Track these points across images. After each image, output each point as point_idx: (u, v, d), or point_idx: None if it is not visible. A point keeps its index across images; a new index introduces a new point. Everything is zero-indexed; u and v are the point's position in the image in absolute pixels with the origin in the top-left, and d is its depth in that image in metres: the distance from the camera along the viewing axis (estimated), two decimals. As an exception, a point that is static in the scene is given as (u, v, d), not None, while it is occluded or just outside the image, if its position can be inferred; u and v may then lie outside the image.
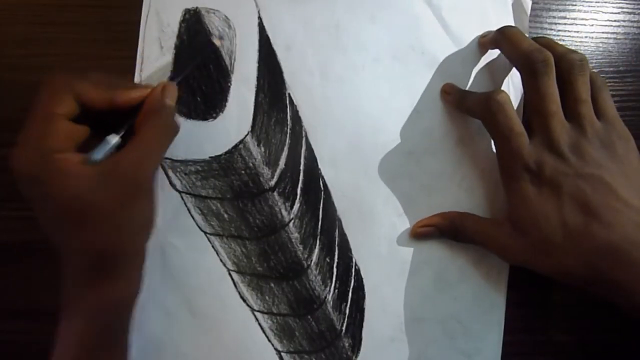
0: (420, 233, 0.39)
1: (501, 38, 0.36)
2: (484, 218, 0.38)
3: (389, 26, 0.39)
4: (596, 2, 0.41)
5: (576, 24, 0.40)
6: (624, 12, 0.41)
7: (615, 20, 0.41)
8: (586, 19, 0.39)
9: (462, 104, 0.37)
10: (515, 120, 0.34)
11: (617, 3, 0.41)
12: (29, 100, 0.30)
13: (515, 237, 0.34)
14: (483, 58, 0.39)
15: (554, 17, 0.40)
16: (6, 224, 0.38)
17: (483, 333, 0.39)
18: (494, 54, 0.39)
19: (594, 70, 0.36)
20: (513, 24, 0.39)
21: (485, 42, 0.39)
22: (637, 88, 0.35)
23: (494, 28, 0.38)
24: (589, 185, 0.32)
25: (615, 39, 0.37)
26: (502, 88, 0.39)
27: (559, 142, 0.33)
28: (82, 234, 0.30)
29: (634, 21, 0.41)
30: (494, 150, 0.39)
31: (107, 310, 0.31)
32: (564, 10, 0.41)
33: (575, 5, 0.41)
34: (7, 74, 0.39)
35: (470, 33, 0.39)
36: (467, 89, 0.39)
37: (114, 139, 0.31)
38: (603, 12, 0.41)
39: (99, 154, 0.31)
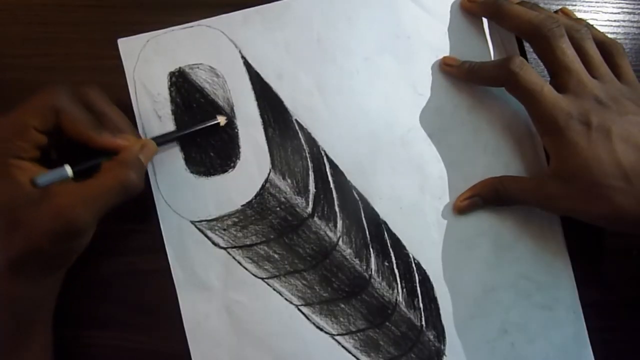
0: (464, 206, 0.39)
1: (499, 12, 0.36)
2: (522, 176, 0.39)
3: (367, 23, 0.39)
4: (596, 2, 0.41)
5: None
6: (624, 12, 0.41)
7: (615, 20, 0.41)
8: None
9: (474, 75, 0.37)
10: (540, 77, 0.34)
11: (617, 3, 0.41)
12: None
13: (561, 187, 0.34)
14: (469, 25, 0.39)
15: None
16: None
17: (555, 283, 0.39)
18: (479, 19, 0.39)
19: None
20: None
21: (472, 9, 0.39)
22: None
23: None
24: (636, 127, 0.33)
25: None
26: (494, 55, 0.40)
27: (596, 93, 0.34)
28: (8, 237, 0.31)
29: (634, 21, 0.41)
30: (507, 107, 0.39)
31: (9, 304, 0.32)
32: None
33: (575, 5, 0.41)
34: (7, 74, 0.39)
35: (446, 4, 0.39)
36: (462, 59, 0.39)
37: (66, 172, 0.32)
38: (603, 12, 0.41)
39: (44, 179, 0.31)
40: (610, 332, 0.40)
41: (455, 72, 0.38)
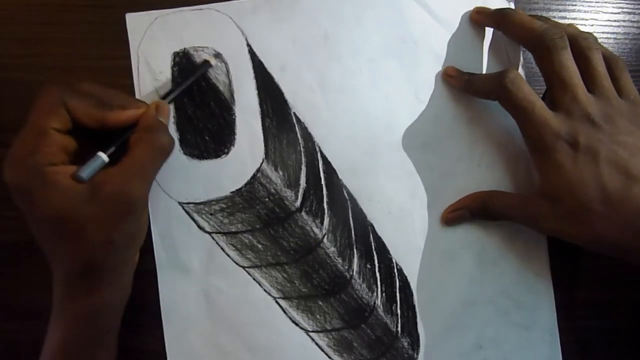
0: (452, 218, 0.39)
1: (504, 20, 0.36)
2: (511, 193, 0.39)
3: (375, 25, 0.39)
4: (596, 2, 0.41)
5: (576, 24, 0.39)
6: (624, 12, 0.41)
7: (615, 20, 0.41)
8: (586, 19, 0.39)
9: (471, 86, 0.37)
10: (534, 93, 0.34)
11: (617, 3, 0.41)
12: (29, 100, 0.31)
13: (547, 207, 0.34)
14: (477, 37, 0.39)
15: (554, 17, 0.40)
16: (5, 224, 0.38)
17: (535, 303, 0.39)
18: (486, 30, 0.39)
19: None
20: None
21: (480, 20, 0.39)
22: (637, 88, 0.35)
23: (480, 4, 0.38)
24: (626, 150, 0.32)
25: (615, 39, 0.37)
26: (498, 69, 0.39)
27: (589, 111, 0.33)
28: (69, 246, 0.31)
29: (634, 21, 0.41)
30: (506, 124, 0.39)
31: (90, 316, 0.32)
32: (564, 10, 0.41)
33: (575, 5, 0.41)
34: (7, 74, 0.39)
35: (456, 14, 0.39)
36: (466, 69, 0.39)
37: (102, 158, 0.32)
38: (603, 12, 0.41)
39: (87, 172, 0.31)
40: (612, 333, 0.40)
41: (455, 83, 0.38)
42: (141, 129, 0.33)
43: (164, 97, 0.36)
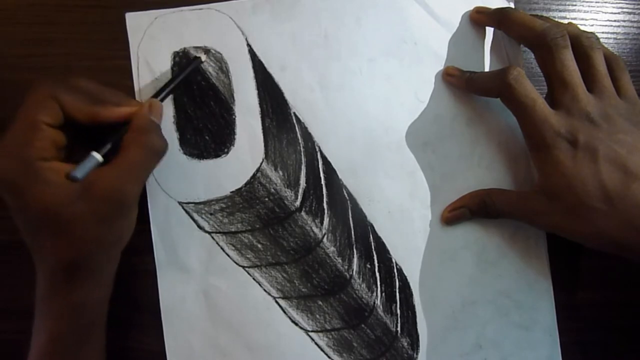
0: (452, 217, 0.39)
1: (505, 19, 0.36)
2: (510, 190, 0.39)
3: (376, 25, 0.39)
4: (596, 2, 0.41)
5: (576, 24, 0.39)
6: (624, 12, 0.41)
7: (615, 20, 0.41)
8: (586, 19, 0.39)
9: (472, 85, 0.37)
10: (535, 91, 0.34)
11: (617, 3, 0.41)
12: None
13: (545, 204, 0.34)
14: (477, 36, 0.39)
15: (554, 17, 0.40)
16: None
17: (535, 303, 0.39)
18: (487, 30, 0.39)
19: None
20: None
21: (481, 20, 0.39)
22: (637, 88, 0.35)
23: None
24: (624, 148, 0.32)
25: (615, 39, 0.37)
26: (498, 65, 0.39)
27: (589, 110, 0.33)
28: (56, 242, 0.31)
29: (634, 21, 0.41)
30: (506, 123, 0.39)
31: (74, 310, 0.32)
32: (564, 11, 0.41)
33: (575, 5, 0.41)
34: (7, 74, 0.39)
35: (456, 14, 0.39)
36: (466, 69, 0.39)
37: (97, 158, 0.32)
38: (603, 12, 0.41)
39: (81, 172, 0.31)
40: (612, 333, 0.40)
41: (456, 82, 0.38)
42: (134, 129, 0.33)
43: (155, 96, 0.35)
